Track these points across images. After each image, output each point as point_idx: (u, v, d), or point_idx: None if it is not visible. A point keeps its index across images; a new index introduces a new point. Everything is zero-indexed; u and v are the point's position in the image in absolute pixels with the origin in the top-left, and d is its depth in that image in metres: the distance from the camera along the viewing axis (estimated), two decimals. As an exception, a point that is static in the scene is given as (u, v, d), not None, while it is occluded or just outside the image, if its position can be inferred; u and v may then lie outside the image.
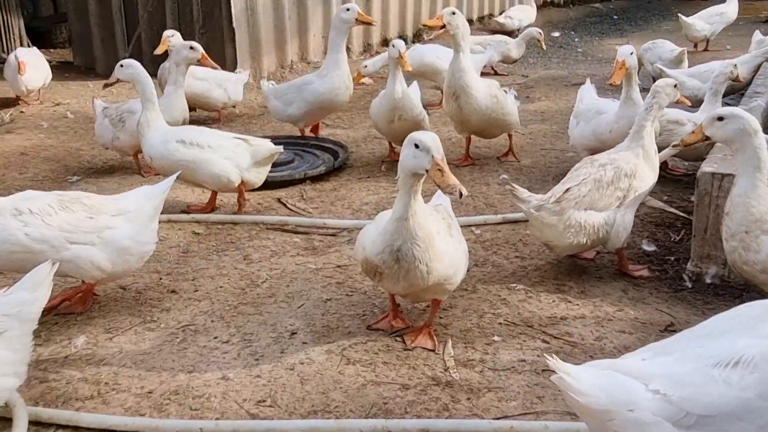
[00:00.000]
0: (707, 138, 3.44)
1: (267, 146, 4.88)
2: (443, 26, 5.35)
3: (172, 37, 6.64)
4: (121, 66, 5.00)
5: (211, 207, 5.01)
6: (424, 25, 6.02)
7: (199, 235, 4.67)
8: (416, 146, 2.87)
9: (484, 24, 13.00)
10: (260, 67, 9.27)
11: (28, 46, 11.05)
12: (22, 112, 7.78)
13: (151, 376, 3.18)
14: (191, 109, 6.42)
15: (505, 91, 5.84)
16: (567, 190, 3.83)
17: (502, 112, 5.61)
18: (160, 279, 4.08)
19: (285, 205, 5.13)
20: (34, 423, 2.86)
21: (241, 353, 3.34)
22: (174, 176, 3.87)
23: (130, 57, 9.30)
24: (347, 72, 6.10)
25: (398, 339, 3.42)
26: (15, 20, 10.85)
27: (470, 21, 12.89)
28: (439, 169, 2.81)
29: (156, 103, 4.88)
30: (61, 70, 9.83)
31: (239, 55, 8.87)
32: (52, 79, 8.46)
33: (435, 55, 7.47)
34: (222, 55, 8.86)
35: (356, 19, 5.99)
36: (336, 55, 6.00)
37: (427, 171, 2.85)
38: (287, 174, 5.56)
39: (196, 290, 3.94)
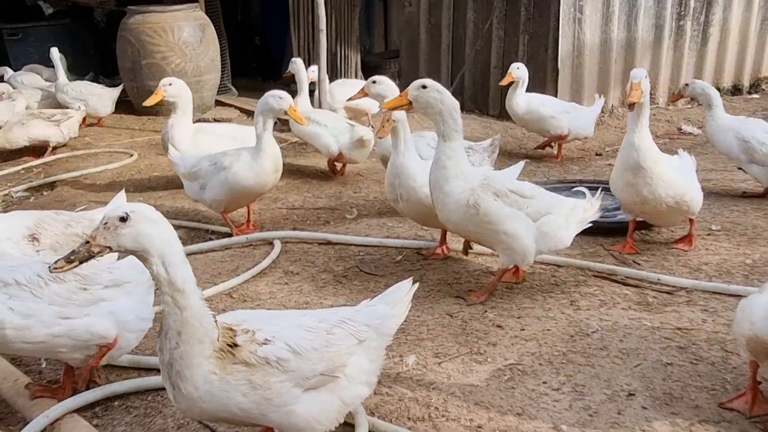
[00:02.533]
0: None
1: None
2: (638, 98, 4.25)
3: (170, 86, 6.07)
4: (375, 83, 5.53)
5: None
6: (630, 105, 4.34)
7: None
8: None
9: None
10: (579, 110, 9.05)
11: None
12: (356, 136, 8.45)
13: (479, 410, 3.10)
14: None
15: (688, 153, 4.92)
16: None
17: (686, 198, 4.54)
18: (485, 312, 4.03)
19: (612, 253, 4.81)
20: (371, 433, 2.93)
21: (573, 405, 3.12)
22: None
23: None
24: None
25: (759, 426, 2.94)
26: (354, 55, 11.97)
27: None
28: None
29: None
30: (387, 102, 10.60)
31: (560, 97, 8.74)
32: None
33: (540, 102, 7.33)
34: (542, 96, 8.85)
35: None
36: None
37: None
38: (616, 221, 5.24)
39: (523, 329, 3.82)
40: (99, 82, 9.97)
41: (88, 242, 2.35)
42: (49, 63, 9.50)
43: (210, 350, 2.43)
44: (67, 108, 8.57)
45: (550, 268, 4.62)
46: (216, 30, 10.34)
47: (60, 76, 9.08)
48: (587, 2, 8.73)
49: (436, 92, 3.92)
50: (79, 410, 3.15)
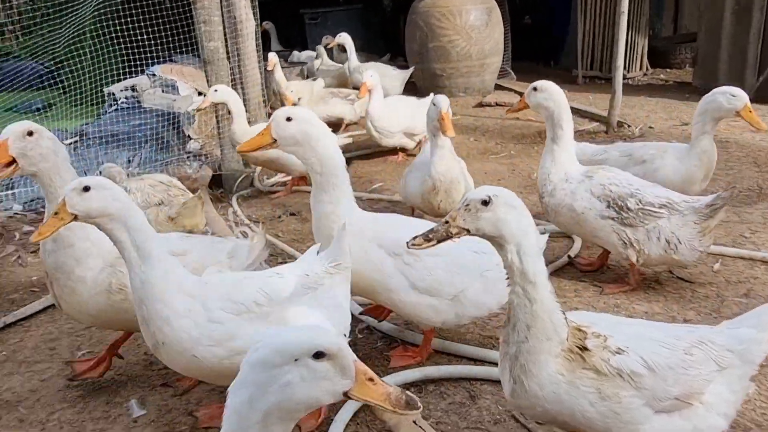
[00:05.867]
0: None
1: None
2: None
3: (371, 78, 6.87)
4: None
5: None
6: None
7: None
8: None
9: None
10: None
11: (647, 68, 11.36)
12: (650, 127, 7.86)
13: None
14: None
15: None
16: None
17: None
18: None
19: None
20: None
21: None
22: None
23: (759, 84, 8.68)
24: None
25: None
26: (641, 39, 11.20)
27: None
28: None
29: None
30: (677, 91, 9.78)
31: None
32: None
33: None
34: None
35: None
36: None
37: None
38: None
39: None
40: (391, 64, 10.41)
41: (447, 222, 2.32)
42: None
43: (558, 349, 2.30)
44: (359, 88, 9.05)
45: None
46: (500, 13, 10.26)
47: (352, 59, 9.60)
48: None
49: (47, 140, 3.05)
50: (395, 388, 3.21)
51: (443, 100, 4.46)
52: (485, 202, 2.27)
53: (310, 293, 2.89)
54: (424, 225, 3.35)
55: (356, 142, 8.04)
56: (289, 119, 3.10)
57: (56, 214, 2.63)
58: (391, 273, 3.23)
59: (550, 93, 4.09)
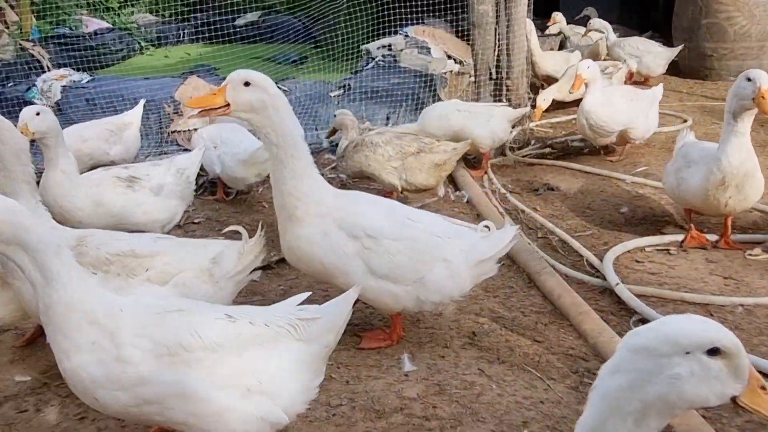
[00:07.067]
0: None
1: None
2: None
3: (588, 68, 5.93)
4: None
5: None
6: None
7: None
8: None
9: None
10: None
11: None
12: None
13: None
14: None
15: None
16: None
17: None
18: None
19: None
20: None
21: None
22: None
23: None
24: None
25: None
26: None
27: None
28: None
29: None
30: None
31: None
32: None
33: None
34: None
35: None
36: None
37: None
38: None
39: None
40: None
41: None
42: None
43: None
44: (617, 62, 8.55)
45: None
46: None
47: (610, 34, 9.09)
48: None
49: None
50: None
51: (763, 75, 3.81)
52: None
53: (269, 346, 2.44)
54: (394, 205, 3.40)
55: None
56: (247, 84, 2.91)
57: None
58: (350, 257, 3.15)
59: None
